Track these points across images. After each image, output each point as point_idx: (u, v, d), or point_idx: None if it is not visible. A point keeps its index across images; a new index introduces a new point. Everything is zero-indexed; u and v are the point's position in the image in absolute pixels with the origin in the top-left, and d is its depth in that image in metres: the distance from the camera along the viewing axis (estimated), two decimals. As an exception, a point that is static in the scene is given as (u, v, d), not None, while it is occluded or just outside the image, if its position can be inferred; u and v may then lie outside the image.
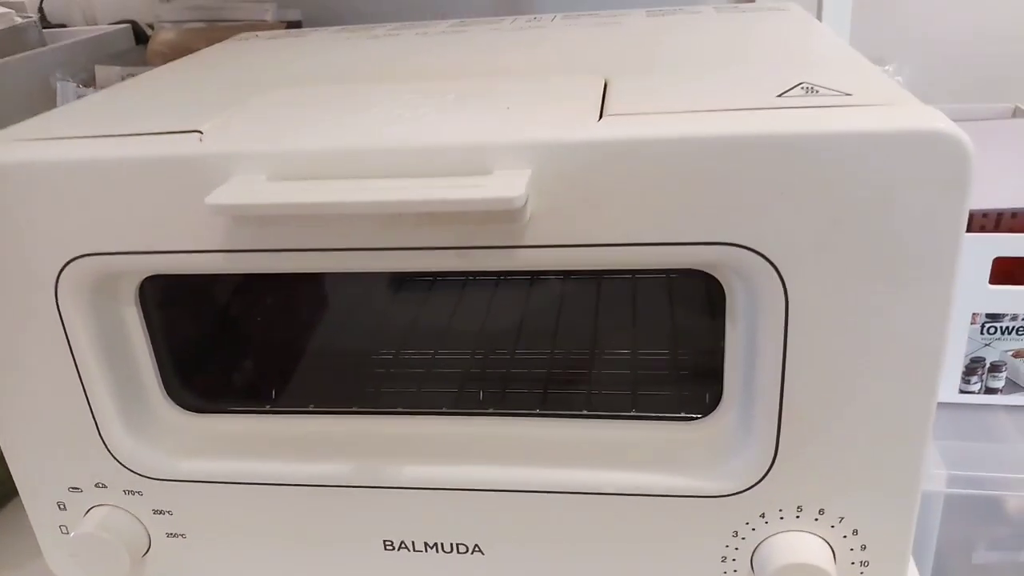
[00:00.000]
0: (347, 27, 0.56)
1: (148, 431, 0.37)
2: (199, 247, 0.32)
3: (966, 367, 0.56)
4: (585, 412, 0.37)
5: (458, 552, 0.36)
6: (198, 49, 0.54)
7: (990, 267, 0.54)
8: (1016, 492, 0.53)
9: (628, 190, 0.29)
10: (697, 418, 0.35)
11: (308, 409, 0.39)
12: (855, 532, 0.33)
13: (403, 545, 0.37)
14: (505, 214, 0.29)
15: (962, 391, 0.57)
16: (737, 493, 0.33)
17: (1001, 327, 0.55)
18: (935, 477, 0.53)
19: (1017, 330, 0.55)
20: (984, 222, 0.60)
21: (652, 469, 0.34)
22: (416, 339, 0.47)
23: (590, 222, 0.29)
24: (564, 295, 0.50)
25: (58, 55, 0.71)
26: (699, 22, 0.46)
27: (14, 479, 0.39)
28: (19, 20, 0.75)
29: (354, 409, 0.38)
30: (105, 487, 0.38)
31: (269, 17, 0.72)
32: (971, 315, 0.55)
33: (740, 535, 0.34)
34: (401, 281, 0.51)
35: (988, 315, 0.55)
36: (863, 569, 0.34)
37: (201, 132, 0.32)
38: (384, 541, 0.37)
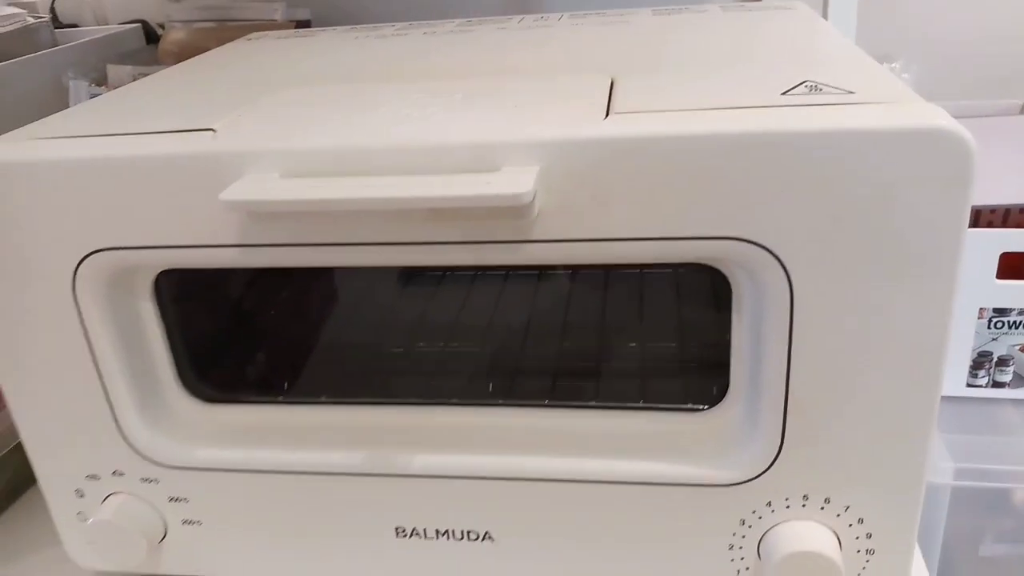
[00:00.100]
0: (356, 27, 0.56)
1: (164, 421, 0.38)
2: (213, 242, 0.33)
3: (973, 361, 0.57)
4: (593, 403, 0.37)
5: (468, 539, 0.37)
6: (208, 48, 0.55)
7: (997, 262, 0.54)
8: (1023, 485, 0.53)
9: (635, 186, 0.29)
10: (704, 409, 0.36)
11: (320, 400, 0.39)
12: (860, 521, 0.33)
13: (415, 532, 0.37)
14: (514, 210, 0.29)
15: (969, 385, 0.57)
16: (744, 482, 0.33)
17: (1008, 321, 0.55)
18: (942, 470, 0.53)
19: None
20: (991, 217, 0.60)
21: (660, 458, 0.34)
22: (426, 333, 0.48)
23: (597, 218, 0.30)
24: (572, 290, 0.50)
25: (70, 54, 0.72)
26: (705, 21, 0.47)
27: (33, 467, 0.39)
28: (31, 20, 0.75)
29: (366, 400, 0.39)
30: (122, 475, 0.38)
31: (279, 17, 0.72)
32: (978, 310, 0.55)
33: (747, 523, 0.34)
34: (410, 276, 0.52)
35: (995, 310, 0.55)
36: (868, 558, 0.34)
37: (214, 130, 0.33)
38: (396, 528, 0.37)
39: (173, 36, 0.73)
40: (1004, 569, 0.58)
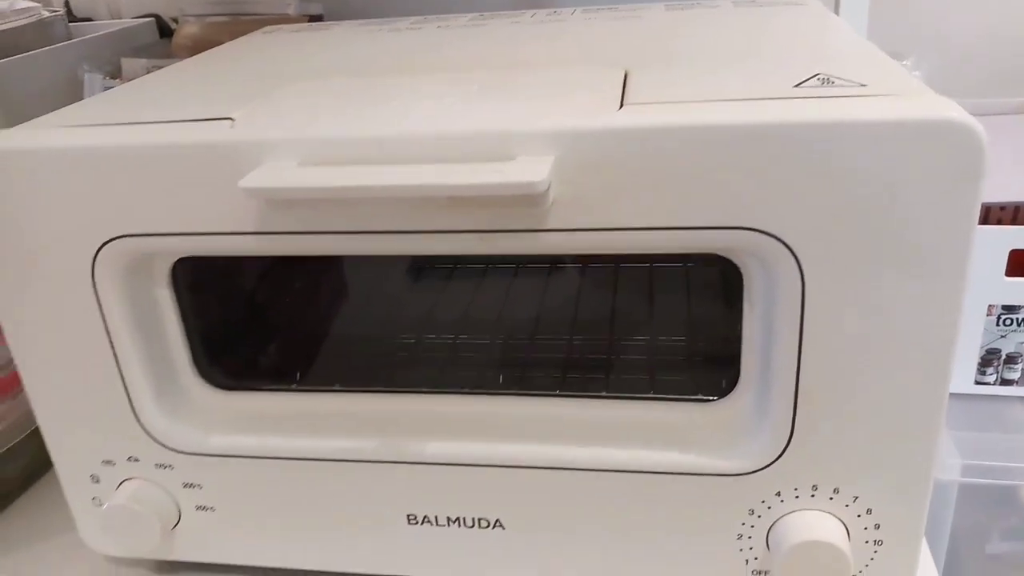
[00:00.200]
0: (369, 20, 0.57)
1: (179, 407, 0.39)
2: (230, 229, 0.33)
3: (982, 358, 0.57)
4: (604, 393, 0.37)
5: (479, 527, 0.37)
6: (221, 42, 0.55)
7: (1006, 259, 0.54)
8: (1030, 482, 0.53)
9: (648, 176, 0.30)
10: (714, 399, 0.36)
11: (333, 388, 0.40)
12: (869, 512, 0.34)
13: (426, 519, 0.38)
14: (528, 199, 0.30)
15: (978, 382, 0.58)
16: (753, 472, 0.34)
17: (1017, 319, 0.55)
18: (949, 467, 0.54)
19: (1032, 322, 0.55)
20: (1000, 215, 0.60)
21: (670, 448, 0.35)
22: (437, 326, 0.48)
23: (611, 207, 0.30)
24: (582, 284, 0.50)
25: (84, 48, 0.72)
26: (717, 16, 0.47)
27: (49, 452, 0.40)
28: (46, 14, 0.76)
29: (378, 388, 0.39)
30: (137, 461, 0.39)
31: (291, 11, 0.73)
32: (987, 307, 0.55)
33: (756, 513, 0.34)
34: (422, 269, 0.52)
35: (1004, 307, 0.55)
36: (876, 548, 0.34)
37: (232, 119, 0.33)
38: (408, 515, 0.38)
39: (186, 30, 0.73)
40: (1010, 566, 0.58)
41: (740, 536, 0.35)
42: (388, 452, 0.37)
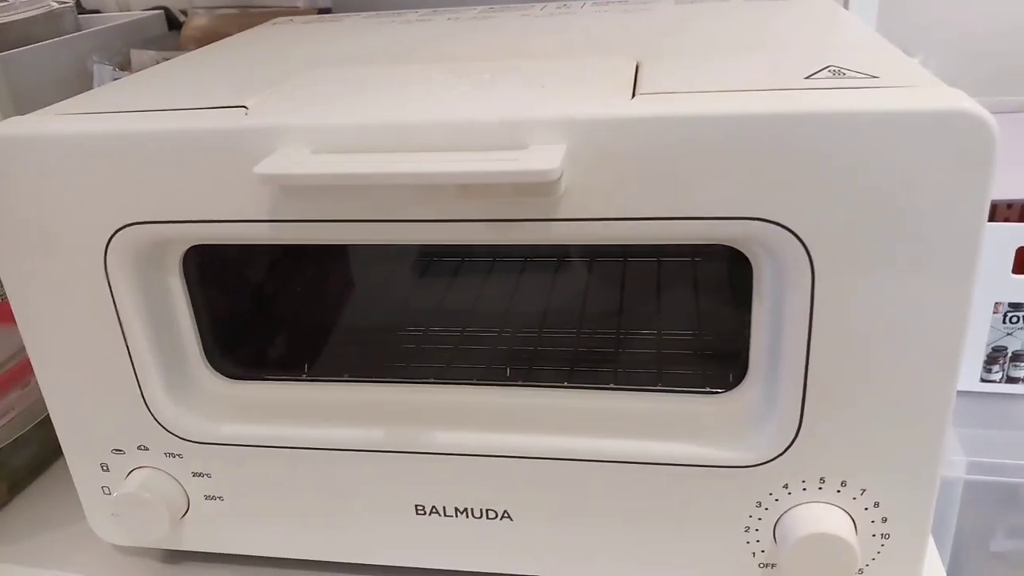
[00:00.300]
0: (379, 12, 0.57)
1: (189, 396, 0.39)
2: (242, 217, 0.33)
3: (988, 356, 0.57)
4: (612, 385, 0.38)
5: (487, 518, 0.38)
6: (230, 34, 0.55)
7: (1013, 257, 0.54)
8: (1035, 480, 0.53)
9: (660, 166, 0.30)
10: (722, 391, 0.36)
11: (342, 378, 0.40)
12: (876, 505, 0.34)
13: (434, 510, 0.38)
14: (540, 187, 0.30)
15: (983, 380, 0.57)
16: (760, 464, 0.34)
17: (1023, 316, 0.55)
18: (954, 464, 0.54)
19: (1039, 319, 0.55)
20: (1008, 213, 0.60)
21: (678, 439, 0.35)
22: (446, 317, 0.48)
23: (622, 196, 0.30)
24: (589, 279, 0.50)
25: (93, 40, 0.72)
26: (728, 9, 0.47)
27: (60, 441, 0.40)
28: (56, 5, 0.76)
29: (387, 379, 0.39)
30: (147, 449, 0.39)
31: (300, 3, 0.73)
32: (993, 304, 0.55)
33: (763, 505, 0.35)
34: (429, 263, 0.52)
35: (1011, 304, 0.55)
36: (884, 542, 0.34)
37: (246, 107, 0.33)
38: (416, 506, 0.38)
39: (196, 22, 0.73)
40: (1015, 564, 0.58)
41: (747, 528, 0.35)
42: (397, 442, 0.37)
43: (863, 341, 0.31)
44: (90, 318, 0.36)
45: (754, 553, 0.36)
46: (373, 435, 0.37)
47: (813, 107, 0.28)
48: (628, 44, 0.40)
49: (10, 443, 0.48)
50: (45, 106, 0.38)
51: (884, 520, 0.34)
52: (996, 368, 0.57)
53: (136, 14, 0.82)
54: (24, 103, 0.63)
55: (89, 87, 0.68)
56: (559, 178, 0.29)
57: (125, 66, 0.70)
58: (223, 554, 0.42)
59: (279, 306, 0.49)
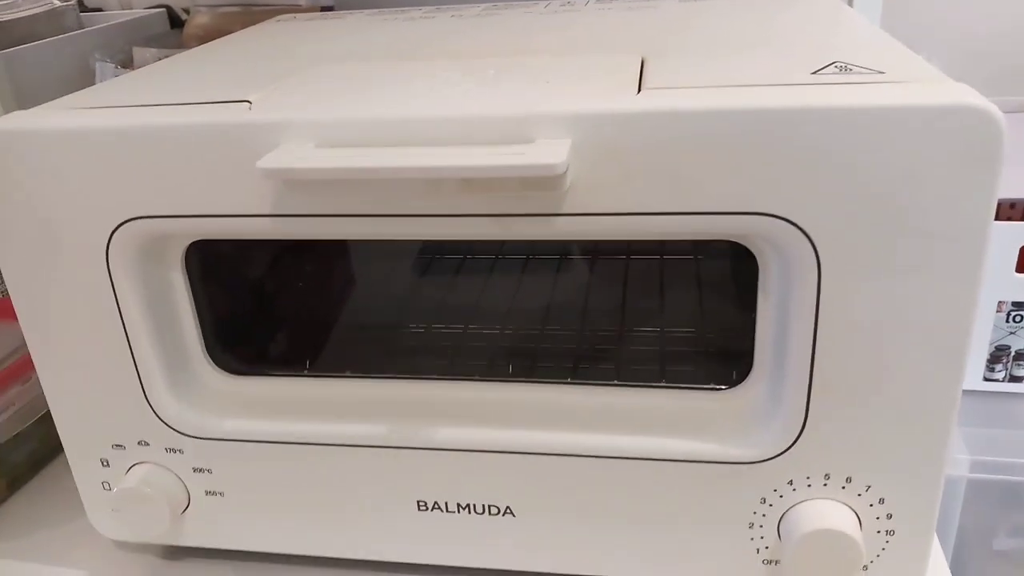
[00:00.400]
0: (382, 10, 0.57)
1: (190, 391, 0.39)
2: (245, 212, 0.33)
3: (991, 355, 0.57)
4: (616, 381, 0.37)
5: (490, 514, 0.37)
6: (233, 32, 0.55)
7: (1016, 256, 0.54)
8: (1038, 479, 0.53)
9: (666, 161, 0.29)
10: (726, 388, 0.36)
11: (344, 374, 0.40)
12: (881, 501, 0.34)
13: (436, 506, 0.38)
14: (546, 181, 0.30)
15: (986, 379, 0.57)
16: (765, 460, 0.34)
17: (1026, 316, 0.55)
18: (958, 462, 0.54)
19: (1042, 319, 0.55)
20: (1011, 212, 0.60)
21: (682, 436, 0.35)
22: (448, 315, 0.48)
23: (628, 191, 0.30)
24: (592, 278, 0.50)
25: (96, 37, 0.72)
26: (732, 7, 0.47)
27: (60, 436, 0.40)
28: (58, 3, 0.76)
29: (389, 374, 0.39)
30: (147, 445, 0.39)
31: (303, 1, 0.73)
32: (997, 303, 0.55)
33: (768, 502, 0.34)
34: (432, 260, 0.52)
35: (1014, 303, 0.55)
36: (888, 538, 0.34)
37: (250, 102, 0.33)
38: (418, 502, 0.38)
39: (198, 20, 0.73)
40: (1017, 563, 0.58)
41: (751, 525, 0.35)
42: (398, 438, 0.37)
43: (869, 337, 0.31)
44: (92, 313, 0.36)
45: (758, 550, 0.36)
46: (375, 431, 0.37)
47: (820, 102, 0.28)
48: (633, 41, 0.40)
49: (10, 439, 0.48)
50: (47, 101, 0.37)
51: (889, 516, 0.34)
52: (999, 367, 0.57)
53: (138, 12, 0.82)
54: (26, 101, 0.62)
55: (91, 84, 0.68)
56: (565, 172, 0.29)
57: (127, 64, 0.70)
58: (223, 550, 0.42)
59: (281, 302, 0.49)
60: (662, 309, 0.47)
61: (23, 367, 0.48)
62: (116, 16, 0.82)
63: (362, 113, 0.31)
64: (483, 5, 0.55)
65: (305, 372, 0.40)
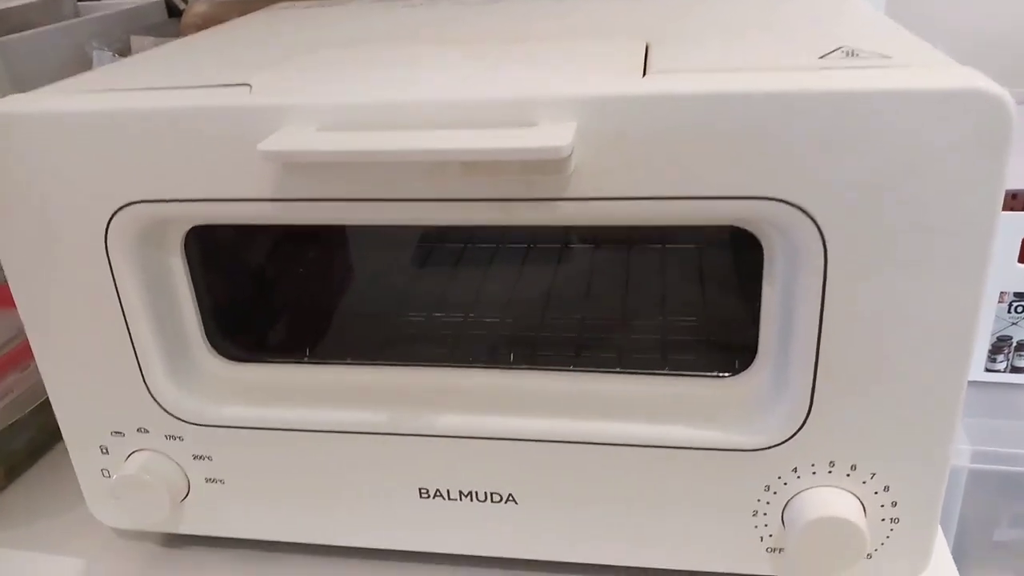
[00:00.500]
0: (382, -2, 0.56)
1: (190, 378, 0.38)
2: (245, 195, 0.33)
3: (992, 346, 0.57)
4: (618, 368, 0.37)
5: (492, 501, 0.37)
6: (232, 20, 0.55)
7: (1019, 246, 0.54)
8: (1040, 470, 0.53)
9: (671, 145, 0.29)
10: (730, 375, 0.36)
11: (345, 360, 0.40)
12: (886, 488, 0.33)
13: (438, 493, 0.38)
14: (550, 165, 0.29)
15: (988, 369, 0.57)
16: (770, 447, 0.33)
17: (1028, 307, 0.55)
18: (959, 453, 0.53)
19: (1045, 309, 0.55)
20: (1013, 203, 0.60)
21: (686, 423, 0.34)
22: (449, 301, 0.48)
23: (632, 176, 0.30)
24: (593, 266, 0.50)
25: (93, 26, 0.72)
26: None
27: (59, 423, 0.40)
28: (55, -9, 0.76)
29: (390, 361, 0.39)
30: (147, 432, 0.39)
31: (302, -10, 0.72)
32: (999, 294, 0.55)
33: (772, 489, 0.34)
34: (433, 248, 0.52)
35: (1015, 294, 0.55)
36: (893, 526, 0.34)
37: (250, 85, 0.33)
38: (420, 489, 0.38)
39: (196, 9, 0.73)
40: (1018, 553, 0.58)
41: (755, 512, 0.35)
42: (400, 425, 0.36)
43: (876, 324, 0.31)
44: (90, 299, 0.36)
45: (762, 537, 0.36)
46: (376, 418, 0.37)
47: (827, 86, 0.28)
48: (637, 27, 0.39)
49: (8, 427, 0.48)
50: (44, 88, 0.37)
51: (894, 504, 0.34)
52: (1001, 358, 0.57)
53: (136, 1, 0.82)
54: (23, 89, 0.62)
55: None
56: (569, 156, 0.29)
57: (125, 53, 0.69)
58: (223, 538, 0.42)
59: (281, 288, 0.48)
60: (664, 297, 0.47)
61: (21, 354, 0.48)
62: (114, 4, 0.81)
63: (364, 96, 0.31)
64: (484, -8, 0.54)
65: (305, 359, 0.40)
